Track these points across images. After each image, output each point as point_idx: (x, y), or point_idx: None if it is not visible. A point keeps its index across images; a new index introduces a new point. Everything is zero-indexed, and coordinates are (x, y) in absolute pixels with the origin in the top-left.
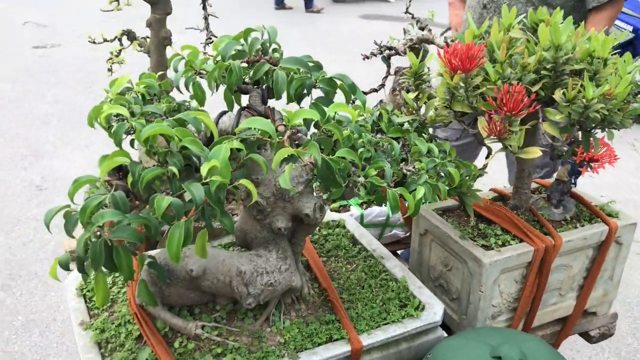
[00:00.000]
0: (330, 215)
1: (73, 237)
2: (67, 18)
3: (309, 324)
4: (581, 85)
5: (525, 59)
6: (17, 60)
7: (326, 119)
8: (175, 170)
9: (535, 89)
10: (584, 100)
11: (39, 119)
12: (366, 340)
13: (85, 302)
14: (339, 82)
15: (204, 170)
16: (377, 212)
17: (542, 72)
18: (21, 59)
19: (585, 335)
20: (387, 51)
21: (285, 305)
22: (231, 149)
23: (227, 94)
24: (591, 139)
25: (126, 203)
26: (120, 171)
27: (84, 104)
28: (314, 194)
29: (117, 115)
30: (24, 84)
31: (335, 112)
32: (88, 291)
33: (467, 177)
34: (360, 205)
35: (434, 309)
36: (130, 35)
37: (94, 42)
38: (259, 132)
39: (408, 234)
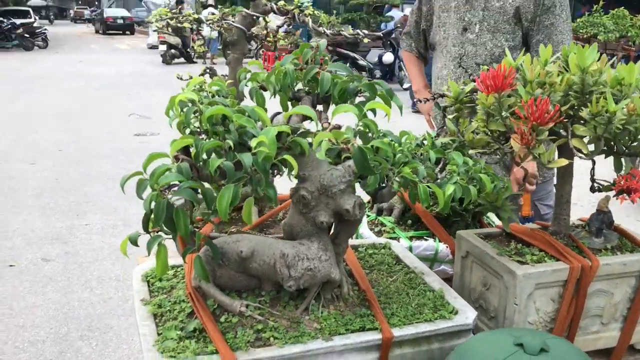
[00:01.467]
0: (377, 239)
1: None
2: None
3: (345, 316)
4: (604, 98)
5: (554, 78)
6: (121, 144)
7: (363, 114)
8: (230, 143)
9: (564, 108)
10: (607, 114)
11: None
12: (397, 332)
13: (148, 287)
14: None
15: (253, 143)
16: (425, 245)
17: (569, 93)
18: (125, 144)
19: None
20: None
21: (325, 301)
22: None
23: (283, 97)
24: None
25: (189, 172)
26: (187, 153)
27: None
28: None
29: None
30: (125, 165)
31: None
32: (151, 278)
33: (502, 190)
34: (410, 238)
35: (466, 314)
36: (212, 72)
37: (181, 79)
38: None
39: None
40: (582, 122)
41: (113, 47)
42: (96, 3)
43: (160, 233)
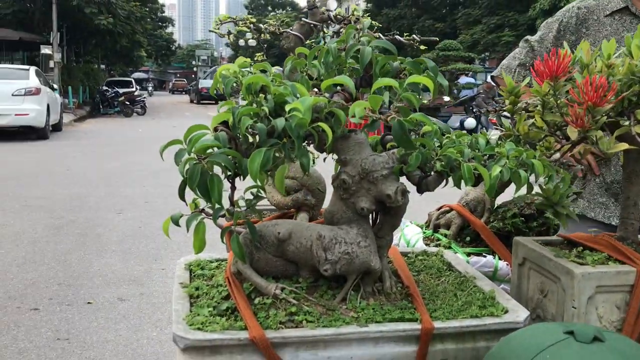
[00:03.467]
0: (429, 249)
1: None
2: None
3: (384, 307)
4: None
5: (613, 61)
6: None
7: (404, 88)
8: (267, 110)
9: (626, 94)
10: None
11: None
12: (439, 324)
13: (190, 274)
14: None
15: (287, 107)
16: (483, 262)
17: (632, 78)
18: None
19: None
20: None
21: (365, 293)
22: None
23: (327, 81)
24: None
25: (225, 140)
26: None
27: None
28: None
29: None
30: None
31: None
32: (193, 267)
33: (561, 185)
34: (468, 255)
35: (518, 313)
36: None
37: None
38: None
39: None
40: None
41: (205, 114)
42: (193, 76)
43: (200, 213)
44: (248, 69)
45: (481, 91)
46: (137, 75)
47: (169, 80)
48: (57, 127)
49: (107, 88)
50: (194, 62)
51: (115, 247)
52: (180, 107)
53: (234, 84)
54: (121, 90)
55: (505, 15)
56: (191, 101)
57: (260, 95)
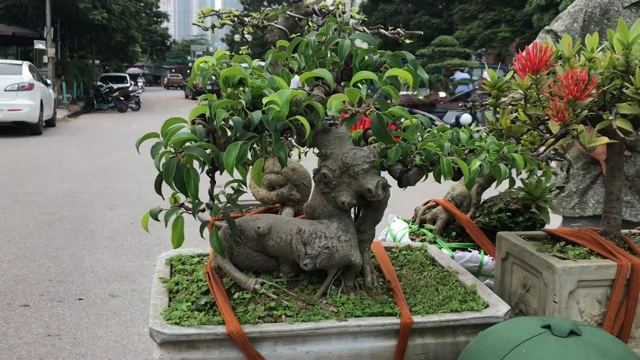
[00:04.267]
0: (413, 243)
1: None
2: None
3: (364, 301)
4: None
5: (592, 54)
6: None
7: (383, 81)
8: (244, 102)
9: (607, 87)
10: None
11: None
12: (418, 319)
13: (171, 269)
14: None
15: (264, 100)
16: (468, 257)
17: (613, 72)
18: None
19: None
20: None
21: (346, 287)
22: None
23: (307, 74)
24: None
25: (202, 133)
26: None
27: None
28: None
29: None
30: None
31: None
32: (173, 261)
33: (542, 179)
34: (453, 250)
35: (498, 308)
36: None
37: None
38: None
39: None
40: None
41: None
42: (188, 71)
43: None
44: (227, 62)
45: (477, 87)
46: (132, 70)
47: (164, 75)
48: (50, 123)
49: (101, 83)
50: (189, 58)
51: (107, 243)
52: (175, 102)
53: (212, 77)
54: (115, 86)
55: (502, 11)
56: (186, 97)
57: (239, 88)
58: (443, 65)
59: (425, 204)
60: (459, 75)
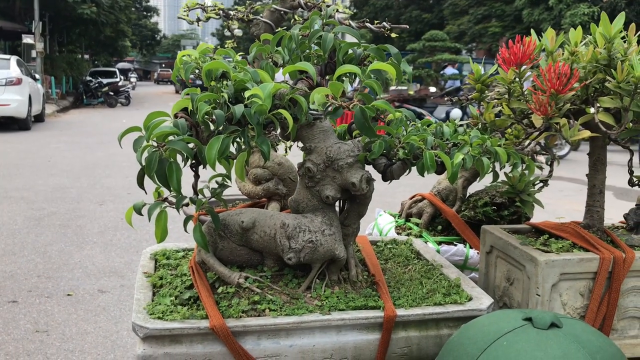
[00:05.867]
0: (399, 237)
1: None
2: None
3: (348, 295)
4: (631, 67)
5: (575, 48)
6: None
7: (367, 74)
8: (226, 96)
9: (589, 81)
10: (633, 79)
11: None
12: (402, 312)
13: (155, 264)
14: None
15: (247, 94)
16: (454, 250)
17: (595, 66)
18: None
19: None
20: None
21: (331, 281)
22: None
23: (290, 67)
24: None
25: (185, 127)
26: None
27: None
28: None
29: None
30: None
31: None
32: (158, 256)
33: (525, 173)
34: (439, 243)
35: (481, 301)
36: None
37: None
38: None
39: None
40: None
41: None
42: None
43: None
44: (210, 55)
45: (467, 82)
46: (121, 65)
47: (154, 70)
48: (39, 118)
49: (90, 78)
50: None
51: (96, 238)
52: (165, 97)
53: (196, 70)
54: (105, 81)
55: (492, 6)
56: (176, 92)
57: (222, 81)
58: (433, 60)
59: (411, 198)
60: (449, 71)
